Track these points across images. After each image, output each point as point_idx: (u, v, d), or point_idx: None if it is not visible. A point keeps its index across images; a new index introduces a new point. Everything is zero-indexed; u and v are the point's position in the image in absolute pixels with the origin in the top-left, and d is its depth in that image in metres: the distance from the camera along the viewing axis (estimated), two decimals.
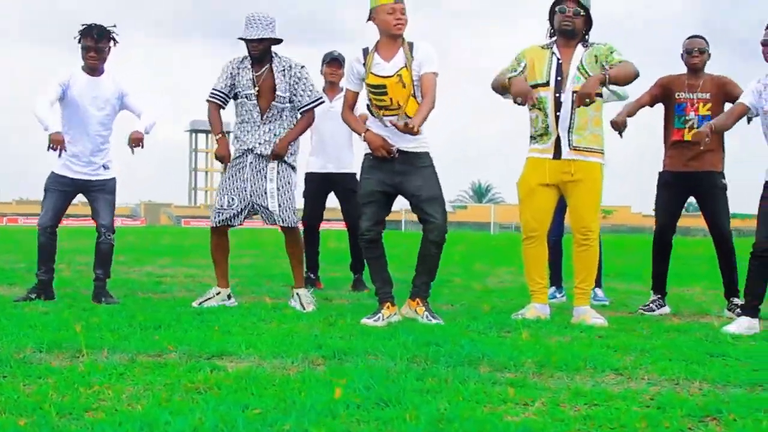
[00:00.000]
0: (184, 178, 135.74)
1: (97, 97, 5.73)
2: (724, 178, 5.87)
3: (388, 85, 4.93)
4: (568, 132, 5.10)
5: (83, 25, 5.70)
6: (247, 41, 5.46)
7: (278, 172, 5.54)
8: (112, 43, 5.75)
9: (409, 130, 4.71)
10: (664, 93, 5.86)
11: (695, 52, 5.80)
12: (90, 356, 3.48)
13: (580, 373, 3.34)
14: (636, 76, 5.15)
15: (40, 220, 5.77)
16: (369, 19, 5.02)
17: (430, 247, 5.03)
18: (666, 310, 5.89)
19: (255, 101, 5.53)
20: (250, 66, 5.54)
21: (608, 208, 71.16)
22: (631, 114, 5.89)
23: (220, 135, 5.58)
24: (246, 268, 10.11)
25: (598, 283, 6.45)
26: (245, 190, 5.54)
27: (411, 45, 5.02)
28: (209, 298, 5.61)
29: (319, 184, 7.16)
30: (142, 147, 5.71)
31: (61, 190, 5.77)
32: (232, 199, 5.55)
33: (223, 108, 5.65)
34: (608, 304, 6.28)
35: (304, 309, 5.43)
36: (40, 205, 5.90)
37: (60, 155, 5.44)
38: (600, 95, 5.17)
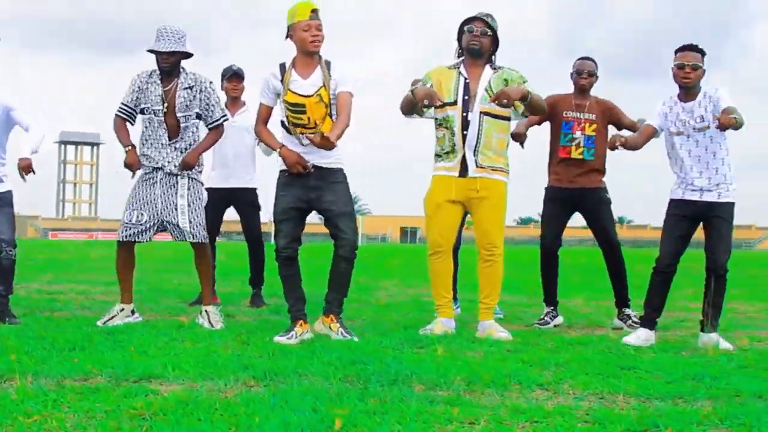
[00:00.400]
0: (52, 190, 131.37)
1: None
2: (607, 192, 6.21)
3: (307, 105, 4.95)
4: (474, 151, 5.27)
5: None
6: (158, 54, 5.36)
7: (189, 188, 5.48)
8: None
9: (325, 144, 4.74)
10: (551, 111, 6.11)
11: (585, 74, 6.11)
12: (17, 382, 3.33)
13: (508, 390, 3.46)
14: (544, 112, 5.41)
15: None
16: (287, 37, 5.01)
17: (341, 262, 5.08)
18: (560, 320, 6.16)
19: (162, 117, 5.45)
20: (159, 81, 5.45)
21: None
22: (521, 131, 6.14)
23: (129, 147, 5.45)
24: (138, 283, 9.81)
25: None
26: (155, 206, 5.44)
27: (328, 63, 5.06)
28: (113, 316, 5.45)
29: (218, 199, 7.07)
30: (34, 173, 5.53)
31: None
32: (141, 214, 5.43)
33: (132, 123, 5.55)
34: (503, 317, 6.50)
35: (213, 326, 5.37)
36: None
37: None
38: (507, 117, 5.37)
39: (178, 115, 5.44)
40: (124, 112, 5.48)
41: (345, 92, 4.98)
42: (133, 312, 5.59)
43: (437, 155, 5.43)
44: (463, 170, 5.29)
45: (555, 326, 6.01)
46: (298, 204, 5.07)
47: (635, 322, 5.91)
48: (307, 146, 4.99)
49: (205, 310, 5.55)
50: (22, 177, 5.45)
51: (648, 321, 5.22)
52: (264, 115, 5.17)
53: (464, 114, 5.25)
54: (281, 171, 5.13)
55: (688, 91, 5.18)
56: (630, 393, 3.41)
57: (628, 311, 6.18)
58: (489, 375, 3.65)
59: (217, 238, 7.20)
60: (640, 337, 5.11)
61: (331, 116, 4.99)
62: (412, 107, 5.38)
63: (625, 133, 5.97)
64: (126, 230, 5.42)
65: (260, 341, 4.72)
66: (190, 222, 5.45)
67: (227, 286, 8.68)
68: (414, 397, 3.23)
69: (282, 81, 5.02)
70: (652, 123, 5.32)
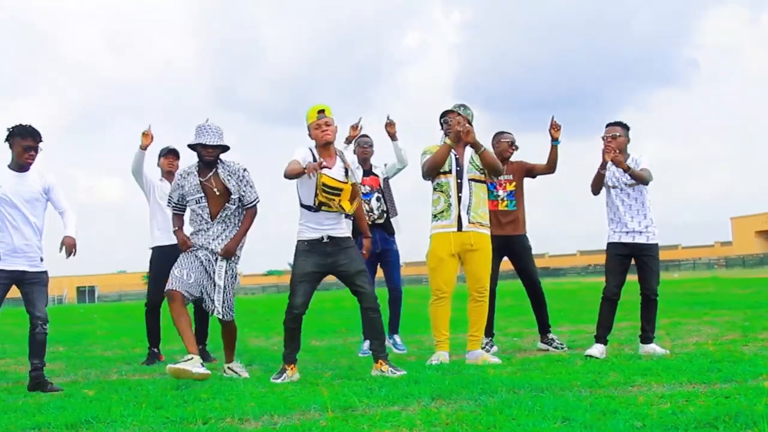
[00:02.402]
0: None
1: (27, 192, 6.10)
2: (528, 240, 7.62)
3: (344, 190, 5.95)
4: (468, 210, 6.52)
5: (16, 126, 6.08)
6: (203, 147, 6.12)
7: (226, 272, 6.16)
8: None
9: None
10: None
11: (509, 146, 7.62)
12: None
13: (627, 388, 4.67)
14: (498, 174, 6.72)
15: None
16: (309, 135, 6.09)
17: (369, 313, 6.08)
18: (495, 349, 7.42)
19: (204, 203, 6.15)
20: (196, 172, 6.19)
21: None
22: None
23: (176, 229, 6.27)
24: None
25: (395, 330, 7.83)
26: (201, 274, 6.12)
27: (341, 153, 6.16)
28: (184, 363, 5.80)
29: (168, 257, 7.36)
30: (75, 253, 6.21)
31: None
32: (190, 275, 6.09)
33: (182, 214, 6.38)
34: (406, 352, 7.65)
35: (240, 376, 6.20)
36: None
37: None
38: (485, 181, 6.67)
39: (220, 200, 6.15)
40: (175, 207, 6.36)
41: (357, 184, 6.13)
42: (202, 364, 5.91)
43: (434, 215, 6.61)
44: (459, 226, 6.50)
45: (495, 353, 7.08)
46: (317, 268, 6.03)
47: (559, 344, 7.37)
48: (326, 224, 6.02)
49: (229, 367, 6.37)
50: (67, 255, 6.13)
51: (602, 338, 6.60)
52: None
53: (459, 181, 6.51)
54: (300, 240, 6.08)
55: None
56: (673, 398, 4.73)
57: (551, 335, 7.57)
58: (607, 380, 4.85)
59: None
60: (598, 349, 6.48)
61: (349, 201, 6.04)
62: (437, 167, 6.54)
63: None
64: (174, 282, 6.02)
65: (294, 383, 5.68)
66: (223, 303, 6.14)
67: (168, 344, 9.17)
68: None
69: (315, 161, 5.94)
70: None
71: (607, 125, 6.73)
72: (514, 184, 7.55)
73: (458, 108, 6.61)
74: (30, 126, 6.08)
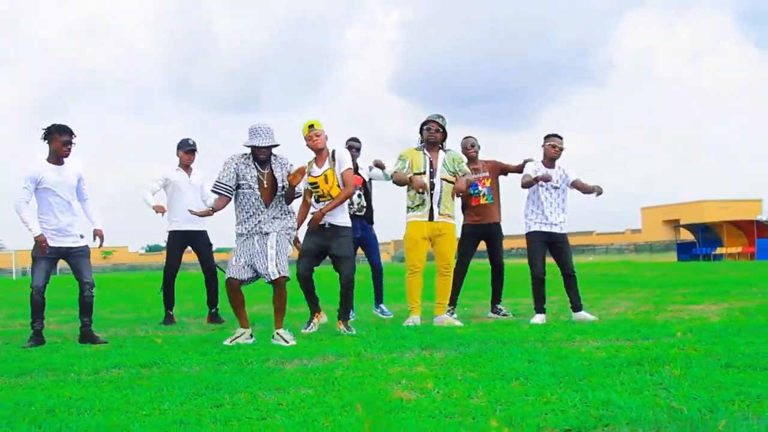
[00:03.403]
0: None
1: (66, 181, 7.21)
2: (500, 228, 9.01)
3: (318, 182, 7.39)
4: (438, 204, 7.87)
5: (54, 124, 7.13)
6: (257, 148, 6.74)
7: (277, 241, 6.76)
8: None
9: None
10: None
11: (469, 147, 8.94)
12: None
13: (570, 342, 6.03)
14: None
15: (34, 282, 7.02)
16: (306, 144, 7.45)
17: (343, 288, 7.59)
18: (455, 315, 8.77)
19: (259, 194, 6.77)
20: (252, 164, 6.81)
21: None
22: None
23: (211, 209, 6.94)
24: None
25: (380, 300, 9.33)
26: (252, 256, 6.74)
27: (333, 152, 7.50)
28: (237, 337, 6.72)
29: (181, 240, 9.12)
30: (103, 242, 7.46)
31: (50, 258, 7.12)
32: (239, 260, 6.75)
33: (229, 198, 6.86)
34: (392, 317, 9.04)
35: (287, 343, 6.57)
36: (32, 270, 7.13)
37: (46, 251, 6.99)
38: (452, 182, 7.99)
39: (274, 190, 6.84)
40: (219, 188, 6.78)
41: (346, 170, 7.46)
42: (251, 335, 6.80)
43: (409, 207, 7.95)
44: (431, 216, 7.87)
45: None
46: (316, 246, 7.58)
47: (507, 312, 8.83)
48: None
49: (278, 333, 6.72)
50: (100, 244, 7.39)
51: (541, 309, 8.05)
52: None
53: (431, 180, 7.85)
54: (308, 225, 7.60)
55: (552, 161, 8.15)
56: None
57: (500, 306, 9.01)
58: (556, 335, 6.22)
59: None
60: (541, 318, 7.94)
61: (340, 187, 7.43)
62: (403, 184, 7.86)
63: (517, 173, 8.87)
64: (231, 270, 6.74)
65: (325, 335, 6.93)
66: (275, 264, 6.66)
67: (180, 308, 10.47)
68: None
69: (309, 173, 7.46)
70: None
71: (548, 136, 8.25)
72: (490, 180, 8.93)
73: (437, 118, 7.96)
74: (65, 124, 7.14)
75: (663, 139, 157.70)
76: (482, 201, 8.88)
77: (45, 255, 7.05)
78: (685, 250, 44.12)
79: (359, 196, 8.88)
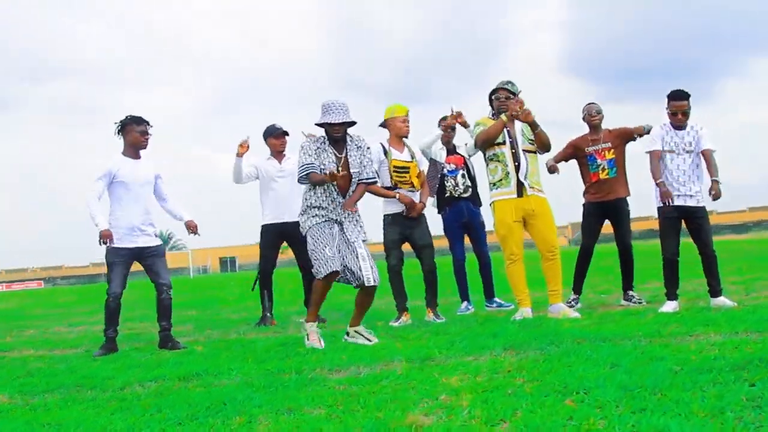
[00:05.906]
0: None
1: (142, 176, 6.95)
2: (628, 205, 7.96)
3: (410, 168, 7.23)
4: (525, 177, 7.03)
5: (130, 116, 6.92)
6: (330, 126, 6.11)
7: (364, 240, 6.24)
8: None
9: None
10: (574, 152, 7.93)
11: (594, 113, 7.89)
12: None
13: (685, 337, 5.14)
14: (548, 149, 7.23)
15: (111, 289, 6.71)
16: (382, 125, 7.07)
17: (428, 276, 7.50)
18: (579, 305, 7.88)
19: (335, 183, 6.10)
20: (328, 148, 6.17)
21: None
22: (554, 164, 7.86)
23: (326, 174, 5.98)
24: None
25: (491, 294, 8.41)
26: (338, 249, 6.13)
27: (405, 143, 7.35)
28: (310, 332, 6.20)
29: (274, 234, 8.57)
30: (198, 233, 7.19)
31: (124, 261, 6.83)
32: (333, 251, 6.05)
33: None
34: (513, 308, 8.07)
35: (370, 341, 6.13)
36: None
37: (108, 244, 6.68)
38: (535, 152, 7.23)
39: (351, 171, 6.21)
40: (312, 167, 6.05)
41: (423, 171, 7.39)
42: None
43: (492, 184, 7.17)
44: (520, 192, 7.04)
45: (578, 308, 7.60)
46: (400, 236, 7.37)
47: (638, 300, 7.77)
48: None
49: (356, 330, 6.29)
50: (196, 233, 7.06)
51: (673, 295, 7.01)
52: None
53: (513, 151, 7.04)
54: (385, 215, 7.37)
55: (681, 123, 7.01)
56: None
57: (631, 292, 7.97)
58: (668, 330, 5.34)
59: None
60: (671, 306, 6.91)
61: (417, 177, 7.35)
62: (489, 141, 7.09)
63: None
64: (328, 264, 5.98)
65: (416, 337, 6.33)
66: (371, 269, 6.13)
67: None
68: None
69: (386, 154, 7.22)
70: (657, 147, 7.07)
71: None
72: (612, 151, 7.89)
73: (507, 84, 7.16)
74: (140, 115, 6.92)
75: None
76: (602, 176, 7.87)
77: (119, 259, 6.76)
78: None
79: (463, 176, 8.20)
